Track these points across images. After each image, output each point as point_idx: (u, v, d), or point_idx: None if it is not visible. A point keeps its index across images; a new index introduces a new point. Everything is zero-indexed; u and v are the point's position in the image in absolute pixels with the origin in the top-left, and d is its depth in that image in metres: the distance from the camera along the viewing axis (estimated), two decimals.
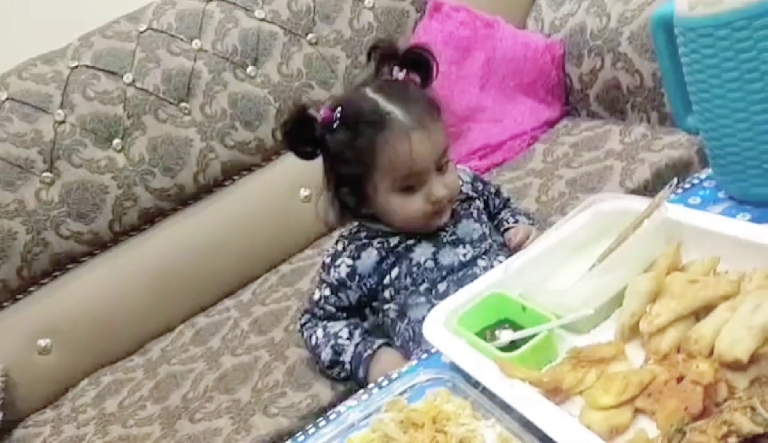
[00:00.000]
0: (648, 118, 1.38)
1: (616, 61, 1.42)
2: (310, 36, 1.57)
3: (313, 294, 1.05)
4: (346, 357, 0.99)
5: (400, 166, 0.93)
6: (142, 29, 1.48)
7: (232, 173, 1.52)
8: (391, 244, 1.00)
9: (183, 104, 1.48)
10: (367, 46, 1.58)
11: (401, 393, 0.69)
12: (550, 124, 1.58)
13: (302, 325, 1.06)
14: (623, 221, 0.78)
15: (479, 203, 1.08)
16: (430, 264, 0.99)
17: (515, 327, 0.75)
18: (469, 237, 1.02)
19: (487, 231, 1.05)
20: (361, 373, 0.97)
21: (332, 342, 1.01)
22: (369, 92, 0.97)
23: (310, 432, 0.74)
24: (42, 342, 1.36)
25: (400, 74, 0.97)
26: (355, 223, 1.04)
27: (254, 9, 1.54)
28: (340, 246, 1.03)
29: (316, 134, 0.97)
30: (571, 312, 0.70)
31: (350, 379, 1.00)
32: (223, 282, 1.47)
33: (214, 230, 1.48)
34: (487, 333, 0.76)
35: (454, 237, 1.01)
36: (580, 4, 1.55)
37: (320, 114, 0.97)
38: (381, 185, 0.96)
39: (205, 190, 1.49)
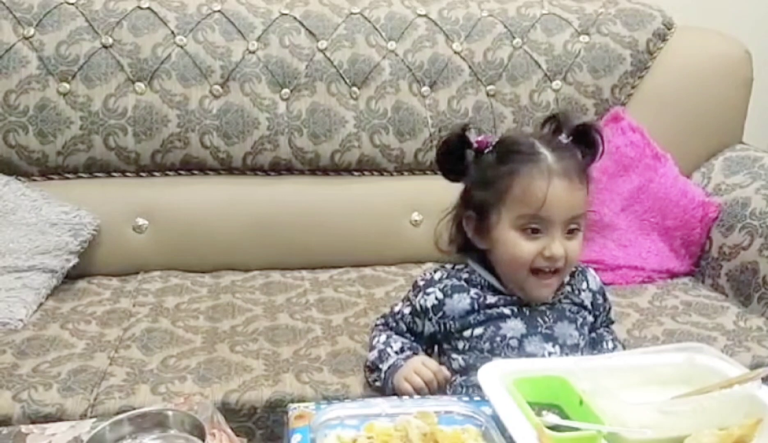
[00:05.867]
0: None
1: (765, 248, 1.38)
2: (490, 87, 1.62)
3: (395, 305, 1.07)
4: (384, 366, 1.00)
5: (531, 203, 0.94)
6: (354, 11, 1.59)
7: (365, 167, 1.58)
8: (487, 301, 0.99)
9: (354, 88, 1.56)
10: (535, 121, 1.65)
11: (435, 412, 0.70)
12: (672, 275, 1.55)
13: (375, 325, 1.09)
14: (712, 378, 0.76)
15: (589, 317, 1.05)
16: (514, 343, 0.98)
17: (563, 416, 0.75)
18: (562, 339, 1.00)
19: (582, 344, 1.02)
20: (389, 383, 0.98)
21: (383, 348, 1.02)
22: (531, 136, 1.01)
23: (334, 402, 0.76)
24: (140, 221, 1.46)
25: (565, 140, 0.99)
26: (461, 264, 1.04)
27: (454, 40, 1.61)
28: (437, 276, 1.03)
29: (467, 158, 1.00)
30: (627, 428, 0.68)
31: (383, 390, 1.01)
32: (308, 255, 1.52)
33: (323, 207, 1.54)
34: (534, 408, 0.76)
35: (549, 332, 0.99)
36: (754, 181, 1.52)
37: (477, 138, 1.00)
38: (505, 216, 0.96)
39: (335, 168, 1.56)
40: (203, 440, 0.71)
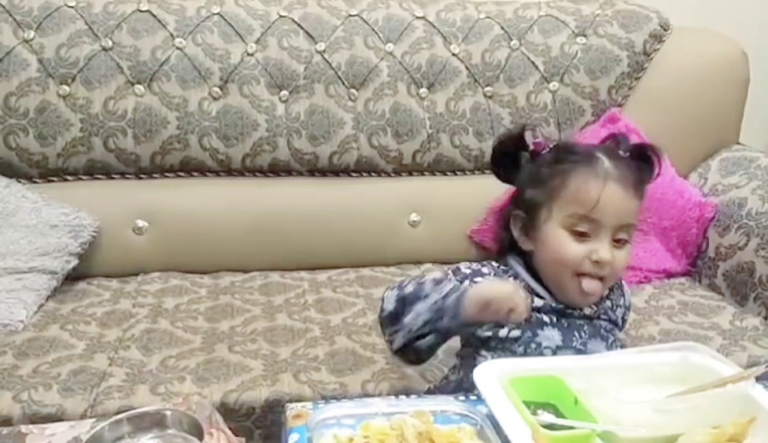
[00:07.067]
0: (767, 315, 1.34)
1: (761, 248, 1.39)
2: (488, 88, 1.63)
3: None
4: (446, 286, 0.90)
5: (583, 203, 0.92)
6: (352, 13, 1.60)
7: (363, 169, 1.59)
8: (534, 304, 0.95)
9: (353, 90, 1.57)
10: (532, 122, 1.66)
11: (431, 411, 0.71)
12: (668, 275, 1.55)
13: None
14: (707, 377, 0.77)
15: (619, 334, 1.04)
16: (548, 353, 0.95)
17: (558, 415, 0.76)
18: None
19: None
20: (456, 296, 0.87)
21: (422, 280, 0.93)
22: (589, 145, 1.01)
23: (331, 402, 0.76)
24: (140, 223, 1.46)
25: (623, 154, 0.98)
26: (506, 267, 1.01)
27: (452, 42, 1.62)
28: (485, 270, 0.99)
29: (522, 160, 0.99)
30: (621, 426, 0.69)
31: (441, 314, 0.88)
32: (307, 255, 1.53)
33: (322, 208, 1.55)
34: (530, 407, 0.76)
35: (582, 347, 0.97)
36: (750, 181, 1.53)
37: (535, 140, 0.99)
38: (556, 215, 0.94)
39: (334, 170, 1.57)
40: (201, 439, 0.72)
